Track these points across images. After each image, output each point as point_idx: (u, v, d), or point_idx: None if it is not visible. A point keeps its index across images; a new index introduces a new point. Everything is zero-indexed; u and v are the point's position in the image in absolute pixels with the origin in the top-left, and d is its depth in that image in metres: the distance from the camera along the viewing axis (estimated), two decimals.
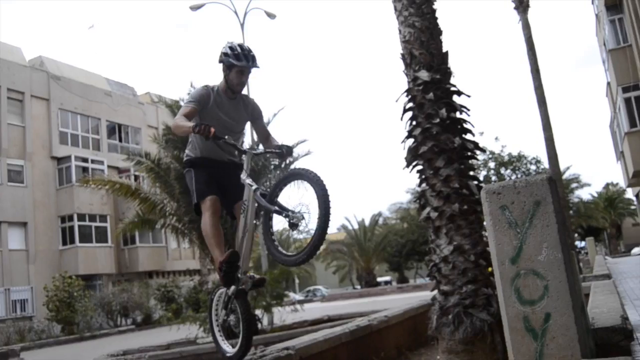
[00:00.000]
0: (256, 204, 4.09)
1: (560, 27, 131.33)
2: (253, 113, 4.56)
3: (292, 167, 14.36)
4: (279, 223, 4.08)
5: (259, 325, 13.50)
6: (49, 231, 30.43)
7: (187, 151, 4.57)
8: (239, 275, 4.26)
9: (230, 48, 4.21)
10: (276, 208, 3.94)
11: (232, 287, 4.28)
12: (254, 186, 4.05)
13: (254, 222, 4.24)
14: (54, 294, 24.45)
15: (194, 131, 3.96)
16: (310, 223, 3.80)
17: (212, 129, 3.91)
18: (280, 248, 4.04)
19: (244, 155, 4.31)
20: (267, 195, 4.03)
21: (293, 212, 3.85)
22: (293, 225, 3.84)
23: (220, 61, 4.29)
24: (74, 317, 24.67)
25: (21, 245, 29.07)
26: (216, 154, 4.41)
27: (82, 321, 25.18)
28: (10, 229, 28.61)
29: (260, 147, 4.86)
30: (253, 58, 4.22)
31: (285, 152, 4.28)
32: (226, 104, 4.37)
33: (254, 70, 4.29)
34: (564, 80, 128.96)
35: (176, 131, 4.35)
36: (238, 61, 4.17)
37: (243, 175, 4.15)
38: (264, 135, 4.61)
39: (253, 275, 4.34)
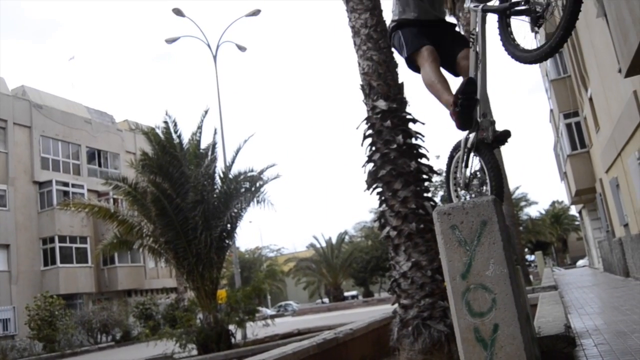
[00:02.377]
0: (484, 23, 3.23)
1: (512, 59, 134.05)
2: None
3: (260, 191, 14.23)
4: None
5: (233, 340, 13.34)
6: (30, 253, 29.70)
7: (392, 15, 3.79)
8: (478, 119, 3.27)
9: None
10: (510, 3, 3.02)
11: (471, 137, 3.37)
12: (480, 5, 3.19)
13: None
14: (36, 313, 23.82)
15: None
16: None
17: None
18: (520, 46, 3.03)
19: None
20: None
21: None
22: (537, 19, 2.82)
23: None
24: (55, 335, 24.04)
25: (4, 266, 28.26)
26: (426, 14, 3.70)
27: (63, 339, 24.54)
28: None
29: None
30: None
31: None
32: None
33: None
34: (514, 107, 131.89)
35: None
36: None
37: (467, 3, 3.32)
38: None
39: (494, 120, 3.31)
